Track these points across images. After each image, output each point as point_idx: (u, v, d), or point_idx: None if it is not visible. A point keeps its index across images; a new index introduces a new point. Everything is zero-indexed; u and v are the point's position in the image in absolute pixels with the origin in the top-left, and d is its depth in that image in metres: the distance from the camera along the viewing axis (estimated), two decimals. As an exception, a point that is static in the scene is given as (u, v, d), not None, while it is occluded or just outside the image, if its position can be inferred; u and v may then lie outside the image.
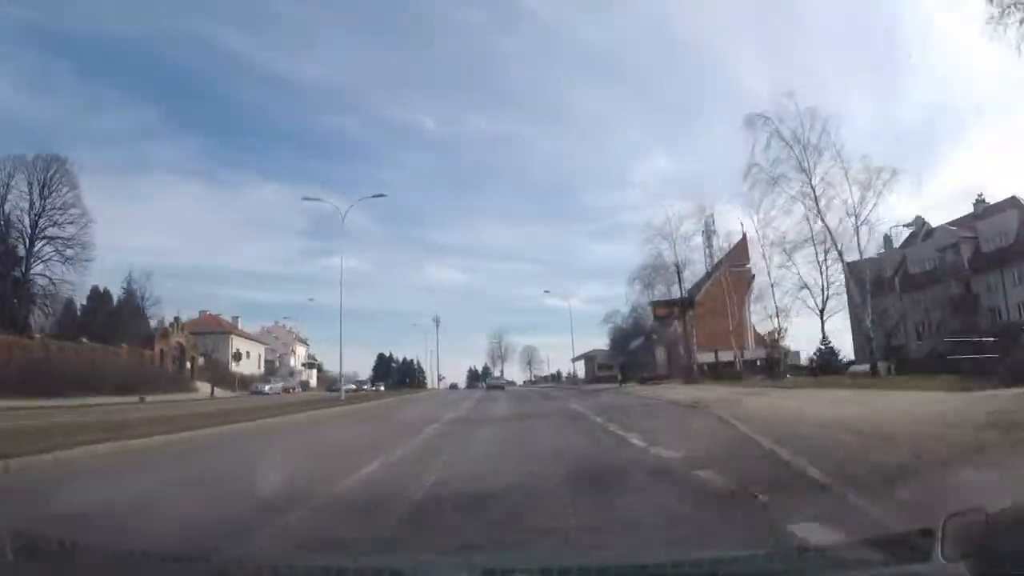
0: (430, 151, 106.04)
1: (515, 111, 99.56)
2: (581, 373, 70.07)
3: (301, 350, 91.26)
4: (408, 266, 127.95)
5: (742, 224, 34.13)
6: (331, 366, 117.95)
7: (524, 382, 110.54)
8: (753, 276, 36.95)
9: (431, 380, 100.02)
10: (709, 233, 40.28)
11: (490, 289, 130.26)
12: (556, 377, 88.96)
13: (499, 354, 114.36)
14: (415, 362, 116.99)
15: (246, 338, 70.64)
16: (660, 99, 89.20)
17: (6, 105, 56.68)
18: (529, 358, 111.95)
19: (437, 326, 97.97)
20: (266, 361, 78.43)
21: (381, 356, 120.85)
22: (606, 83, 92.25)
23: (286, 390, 53.03)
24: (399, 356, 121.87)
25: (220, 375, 59.45)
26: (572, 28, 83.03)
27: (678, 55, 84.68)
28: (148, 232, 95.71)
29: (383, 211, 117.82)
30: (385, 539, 3.71)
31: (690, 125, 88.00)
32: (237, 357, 66.77)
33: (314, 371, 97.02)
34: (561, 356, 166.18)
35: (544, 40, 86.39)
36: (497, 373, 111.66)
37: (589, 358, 57.77)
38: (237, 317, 71.99)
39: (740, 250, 37.67)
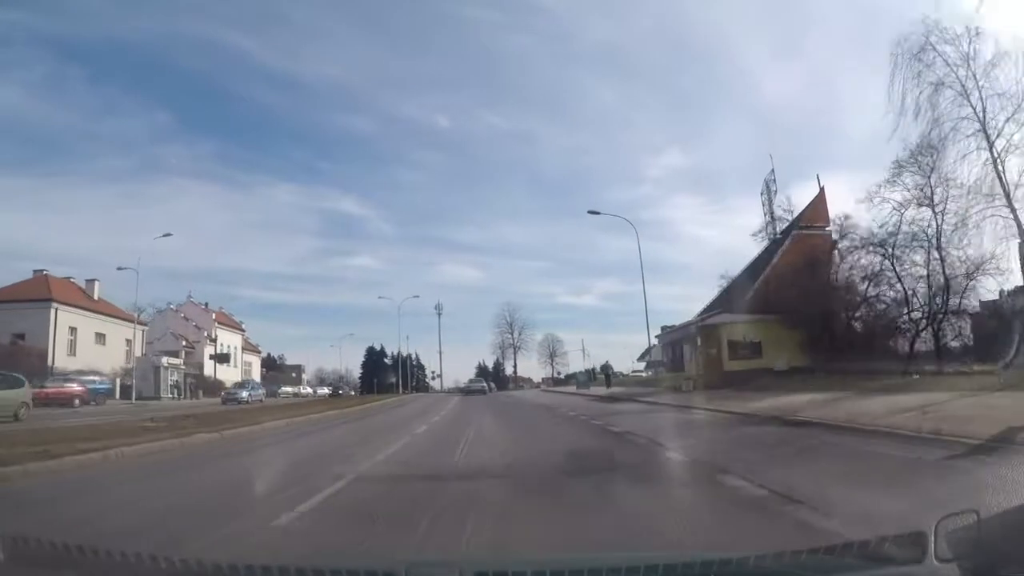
0: (444, 150, 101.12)
1: (529, 108, 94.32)
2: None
3: (231, 338, 64.03)
4: (421, 264, 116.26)
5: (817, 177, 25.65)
6: (296, 362, 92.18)
7: (543, 380, 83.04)
8: (835, 242, 27.21)
9: (439, 380, 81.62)
10: (771, 194, 35.19)
11: (503, 286, 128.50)
12: (601, 375, 56.47)
13: (511, 342, 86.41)
14: (413, 358, 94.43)
15: (98, 314, 43.40)
16: (674, 94, 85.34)
17: (18, 111, 56.64)
18: (551, 349, 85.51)
19: (439, 315, 76.96)
20: (163, 352, 51.58)
21: (371, 351, 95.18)
22: (620, 79, 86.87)
23: (52, 395, 25.60)
24: (392, 350, 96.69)
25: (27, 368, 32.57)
26: (585, 24, 78.97)
27: (691, 50, 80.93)
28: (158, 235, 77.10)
29: (398, 211, 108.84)
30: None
31: (705, 120, 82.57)
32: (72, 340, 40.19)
33: (254, 366, 70.10)
34: (602, 352, 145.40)
35: (558, 37, 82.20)
36: (510, 368, 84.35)
37: (706, 330, 27.67)
38: (94, 281, 44.87)
39: (815, 210, 29.82)
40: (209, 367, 54.90)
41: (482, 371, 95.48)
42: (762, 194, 57.53)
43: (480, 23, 79.21)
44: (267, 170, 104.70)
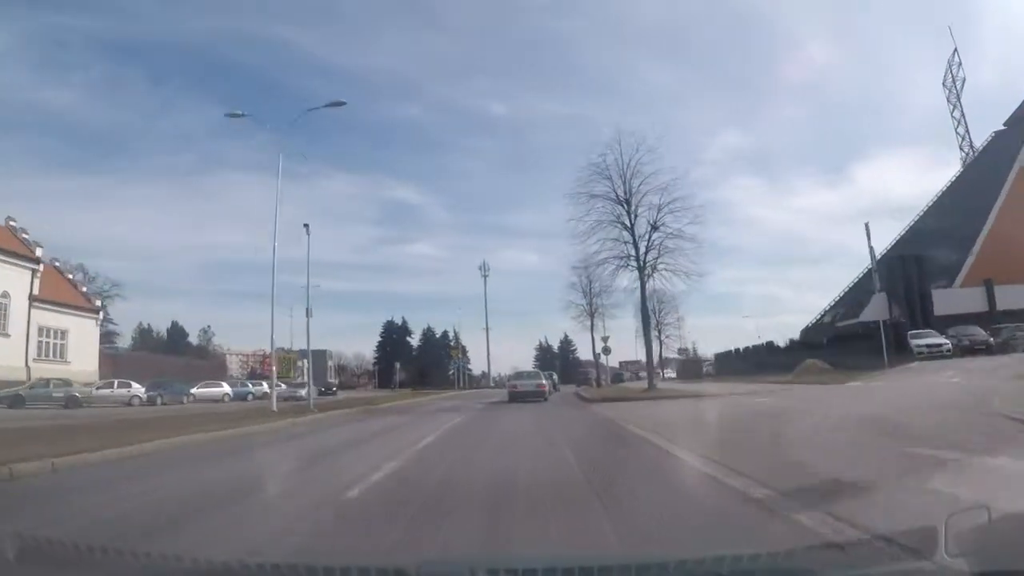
0: (499, 136, 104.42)
1: (582, 92, 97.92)
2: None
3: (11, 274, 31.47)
4: (480, 251, 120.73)
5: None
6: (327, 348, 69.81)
7: (623, 365, 54.12)
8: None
9: (486, 366, 64.66)
10: (956, 83, 33.28)
11: (562, 269, 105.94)
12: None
13: (627, 248, 27.20)
14: (451, 336, 70.72)
15: None
16: (728, 74, 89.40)
17: (77, 112, 61.18)
18: (657, 314, 39.53)
19: (485, 278, 62.28)
20: None
21: (389, 327, 73.77)
22: (672, 60, 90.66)
23: None
24: (420, 327, 76.33)
25: None
26: (635, 5, 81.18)
27: (743, 28, 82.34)
28: (220, 229, 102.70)
29: (455, 199, 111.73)
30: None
31: (761, 99, 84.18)
32: None
33: (72, 334, 35.25)
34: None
35: (607, 19, 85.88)
36: (603, 340, 37.35)
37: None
38: None
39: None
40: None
41: (543, 353, 73.47)
42: (944, 84, 42.94)
43: (532, 8, 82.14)
44: (324, 161, 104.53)
